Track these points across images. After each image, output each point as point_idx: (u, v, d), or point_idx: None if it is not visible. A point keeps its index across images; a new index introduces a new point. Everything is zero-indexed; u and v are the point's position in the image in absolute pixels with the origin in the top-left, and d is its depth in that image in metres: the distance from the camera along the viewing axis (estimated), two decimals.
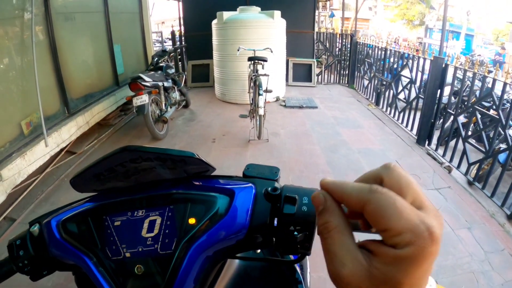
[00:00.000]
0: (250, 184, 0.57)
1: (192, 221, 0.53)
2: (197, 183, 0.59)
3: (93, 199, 0.61)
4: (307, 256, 0.93)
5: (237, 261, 0.76)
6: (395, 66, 6.17)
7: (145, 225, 0.55)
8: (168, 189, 0.58)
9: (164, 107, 5.14)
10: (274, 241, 0.52)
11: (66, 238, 0.56)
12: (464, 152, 3.99)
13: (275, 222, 0.51)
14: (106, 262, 0.54)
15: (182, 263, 0.50)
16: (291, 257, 0.80)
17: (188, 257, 0.51)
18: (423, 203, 0.31)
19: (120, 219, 0.57)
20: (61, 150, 4.24)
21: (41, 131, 3.74)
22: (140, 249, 0.54)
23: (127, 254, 0.54)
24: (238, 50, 5.16)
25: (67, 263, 0.57)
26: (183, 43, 8.45)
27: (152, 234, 0.54)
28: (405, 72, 5.73)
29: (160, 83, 4.97)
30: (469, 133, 4.10)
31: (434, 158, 4.44)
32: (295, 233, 0.48)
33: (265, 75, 4.59)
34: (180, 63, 8.39)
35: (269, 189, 0.53)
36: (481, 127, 3.85)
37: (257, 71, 4.83)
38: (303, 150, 4.52)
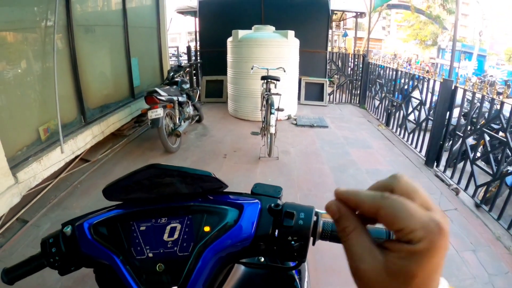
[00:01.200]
0: (256, 200, 0.65)
1: (207, 229, 0.62)
2: (212, 198, 0.69)
3: (121, 206, 0.70)
4: (306, 268, 1.06)
5: (242, 268, 0.84)
6: (405, 87, 6.18)
7: (167, 230, 0.64)
8: (188, 202, 0.68)
9: (177, 121, 5.23)
10: (275, 249, 0.60)
11: (97, 239, 0.65)
12: (472, 174, 3.97)
13: (276, 233, 0.59)
14: (131, 261, 0.63)
15: (197, 263, 0.59)
16: (290, 264, 0.88)
17: (202, 259, 0.59)
18: (429, 205, 0.34)
19: (145, 224, 0.66)
20: (76, 157, 4.35)
21: (58, 137, 3.84)
22: (161, 251, 0.63)
23: (150, 254, 0.63)
24: (252, 69, 5.22)
25: (95, 261, 0.66)
26: (198, 58, 8.60)
27: (172, 239, 0.63)
28: (416, 93, 5.73)
29: (175, 98, 5.05)
30: (477, 155, 4.09)
31: (442, 180, 4.43)
32: (293, 242, 0.57)
33: (277, 94, 4.65)
34: (194, 78, 8.53)
35: (272, 205, 0.62)
36: (489, 149, 3.85)
37: (269, 90, 4.89)
38: (312, 169, 4.55)
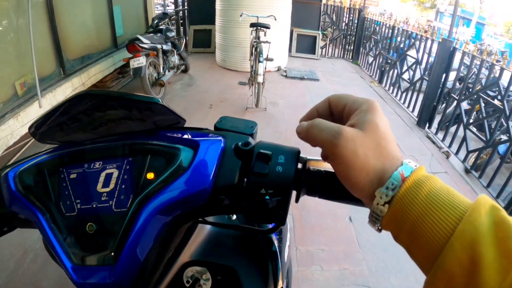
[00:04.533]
0: (219, 137, 0.50)
1: (150, 175, 0.46)
2: (161, 134, 0.52)
3: (54, 150, 0.53)
4: (287, 229, 0.86)
5: (208, 226, 0.69)
6: (401, 45, 6.06)
7: (101, 178, 0.48)
8: (128, 139, 0.50)
9: (162, 71, 5.04)
10: (243, 205, 0.45)
11: (22, 191, 0.49)
12: (464, 139, 3.93)
13: (245, 183, 0.45)
14: (59, 218, 0.47)
15: (136, 222, 0.43)
16: (269, 226, 0.73)
17: (142, 217, 0.43)
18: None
19: (76, 171, 0.49)
20: None
21: (35, 92, 3.69)
22: (94, 205, 0.47)
23: (81, 211, 0.47)
24: (241, 16, 5.01)
25: (26, 219, 0.50)
26: (186, 5, 8.24)
27: (107, 189, 0.47)
28: (411, 52, 5.63)
29: (159, 46, 4.85)
30: (471, 120, 4.04)
31: (433, 142, 4.40)
32: (267, 198, 0.42)
33: (266, 42, 4.50)
34: (182, 27, 8.21)
35: (240, 143, 0.47)
36: (484, 115, 3.78)
37: (258, 38, 4.72)
38: None
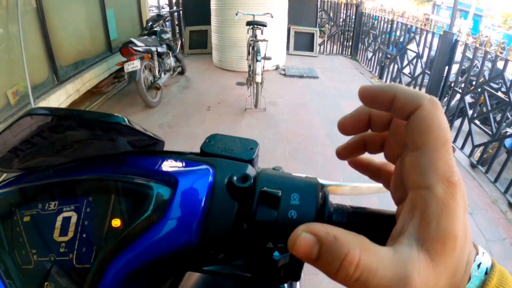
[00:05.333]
0: (205, 167, 0.37)
1: (116, 222, 0.35)
2: (130, 163, 0.40)
3: (8, 184, 0.43)
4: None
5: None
6: (401, 39, 5.96)
7: (58, 224, 0.37)
8: (88, 171, 0.39)
9: (157, 74, 4.94)
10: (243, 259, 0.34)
11: None
12: (469, 133, 3.82)
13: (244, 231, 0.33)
14: (14, 272, 0.37)
15: (98, 285, 0.32)
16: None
17: (106, 280, 0.32)
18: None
19: (30, 213, 0.39)
20: None
21: (29, 100, 3.61)
22: (52, 258, 0.36)
23: (38, 264, 0.36)
24: (236, 15, 4.93)
25: None
26: (180, 6, 8.14)
27: (66, 238, 0.36)
28: (412, 46, 5.52)
29: (153, 48, 4.76)
30: (475, 114, 3.93)
31: None
32: (276, 253, 0.30)
33: (264, 40, 4.39)
34: (177, 29, 8.12)
35: (235, 178, 0.34)
36: (489, 108, 3.66)
37: (255, 36, 4.62)
38: (301, 121, 4.37)
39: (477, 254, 0.25)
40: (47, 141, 0.37)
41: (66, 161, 0.42)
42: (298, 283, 0.68)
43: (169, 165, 0.38)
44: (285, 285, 0.59)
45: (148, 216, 0.33)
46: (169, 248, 0.33)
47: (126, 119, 0.34)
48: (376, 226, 0.30)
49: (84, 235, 0.36)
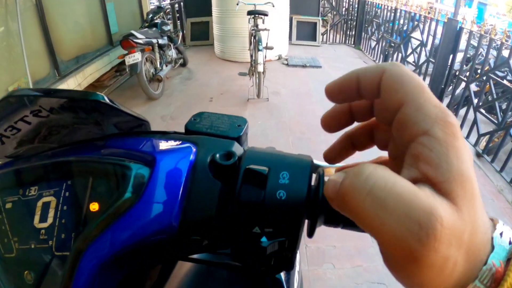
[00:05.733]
0: (187, 145, 0.34)
1: (94, 206, 0.33)
2: (110, 145, 0.37)
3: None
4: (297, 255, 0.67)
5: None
6: (404, 28, 5.90)
7: (38, 209, 0.35)
8: (66, 155, 0.37)
9: (159, 66, 4.93)
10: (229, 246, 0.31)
11: None
12: (475, 122, 3.77)
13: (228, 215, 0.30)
14: None
15: (79, 275, 0.30)
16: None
17: (83, 268, 0.30)
18: None
19: (12, 199, 0.37)
20: None
21: None
22: (32, 246, 0.34)
23: (19, 252, 0.34)
24: (237, 5, 4.89)
25: None
26: None
27: (45, 225, 0.34)
28: (416, 34, 5.45)
29: (154, 40, 4.73)
30: (481, 102, 3.87)
31: None
32: (263, 239, 0.27)
33: (265, 29, 4.37)
34: (178, 21, 8.07)
35: (218, 155, 0.32)
36: (495, 97, 3.61)
37: (257, 26, 4.58)
38: (305, 111, 4.33)
39: (495, 224, 0.22)
40: (32, 126, 0.36)
41: (55, 147, 0.40)
42: (296, 273, 0.64)
43: (150, 145, 0.36)
44: (282, 274, 0.56)
45: (126, 198, 0.31)
46: (147, 233, 0.30)
47: (105, 97, 0.32)
48: None
49: (63, 221, 0.34)
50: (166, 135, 0.38)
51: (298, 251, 0.30)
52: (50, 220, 0.34)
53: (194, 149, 0.34)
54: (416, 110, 0.22)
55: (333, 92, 0.28)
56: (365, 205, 0.20)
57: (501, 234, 0.22)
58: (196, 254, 0.49)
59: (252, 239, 0.28)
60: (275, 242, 0.27)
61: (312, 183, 0.30)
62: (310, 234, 0.31)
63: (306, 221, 0.30)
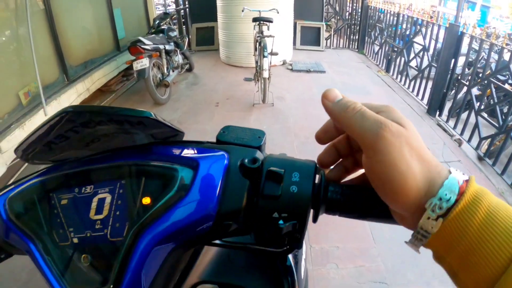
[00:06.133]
0: (221, 153, 0.44)
1: (146, 200, 0.42)
2: (157, 151, 0.46)
3: (43, 173, 0.48)
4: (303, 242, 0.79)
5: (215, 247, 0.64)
6: (407, 32, 5.93)
7: (94, 204, 0.43)
8: (120, 159, 0.45)
9: (166, 71, 5.01)
10: (254, 229, 0.41)
11: (13, 219, 0.45)
12: (476, 126, 3.81)
13: (255, 206, 0.40)
14: (52, 249, 0.43)
15: (133, 255, 0.39)
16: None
17: (140, 247, 0.39)
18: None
19: (67, 196, 0.45)
20: None
21: (40, 100, 3.70)
22: (88, 234, 0.42)
23: (75, 240, 0.42)
24: (242, 11, 4.96)
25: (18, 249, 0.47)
26: (186, 3, 8.20)
27: (101, 216, 0.43)
28: (418, 39, 5.49)
29: (161, 46, 4.82)
30: (482, 106, 3.91)
31: (445, 130, 4.29)
32: (280, 222, 0.37)
33: (270, 36, 4.44)
34: (184, 26, 8.17)
35: (247, 160, 0.41)
36: (496, 100, 3.66)
37: (262, 32, 4.67)
38: (309, 116, 4.39)
39: (451, 172, 0.32)
40: (79, 135, 0.43)
41: (92, 154, 0.48)
42: (303, 260, 0.75)
43: (190, 152, 0.45)
44: (290, 259, 0.66)
45: (174, 193, 0.40)
46: (191, 220, 0.40)
47: (153, 114, 0.41)
48: (364, 199, 0.38)
49: (117, 213, 0.42)
50: (202, 144, 0.48)
51: (304, 244, 0.40)
52: (105, 212, 0.42)
53: (226, 156, 0.43)
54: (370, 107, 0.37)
55: (320, 136, 0.42)
56: (354, 115, 0.34)
57: (456, 170, 0.32)
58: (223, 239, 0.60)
59: (272, 222, 0.37)
60: (289, 224, 0.37)
61: (316, 181, 0.40)
62: (315, 219, 0.41)
63: (312, 210, 0.40)
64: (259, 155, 0.44)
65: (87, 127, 0.42)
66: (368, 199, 0.38)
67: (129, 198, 0.43)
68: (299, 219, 0.37)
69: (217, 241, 0.55)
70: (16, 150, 0.46)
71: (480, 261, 0.27)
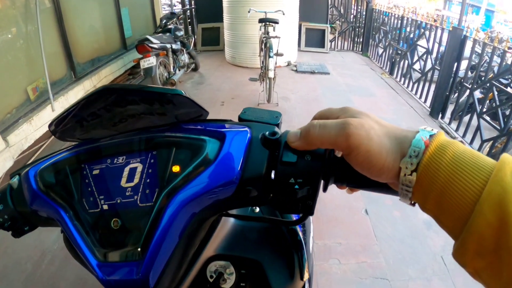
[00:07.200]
0: (245, 128, 0.49)
1: (176, 168, 0.45)
2: (185, 127, 0.51)
3: (74, 147, 0.53)
4: (311, 220, 0.86)
5: (232, 219, 0.68)
6: (411, 35, 5.95)
7: (125, 173, 0.48)
8: (152, 133, 0.50)
9: (172, 70, 5.07)
10: (271, 197, 0.45)
11: (43, 189, 0.49)
12: (478, 128, 3.84)
13: (273, 174, 0.44)
14: (83, 215, 0.47)
15: (162, 217, 0.43)
16: (293, 218, 0.73)
17: (169, 211, 0.43)
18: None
19: (99, 167, 0.49)
20: None
21: (48, 96, 3.76)
22: (118, 201, 0.46)
23: (105, 207, 0.46)
24: (248, 12, 5.01)
25: (48, 218, 0.50)
26: (193, 4, 8.26)
27: (132, 184, 0.47)
28: (422, 42, 5.51)
29: (168, 45, 4.88)
30: (484, 109, 3.94)
31: (447, 132, 4.31)
32: (296, 186, 0.42)
33: (276, 37, 4.47)
34: (190, 26, 8.22)
35: (267, 133, 0.46)
36: (498, 104, 3.69)
37: (268, 33, 4.71)
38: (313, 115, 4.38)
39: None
40: (110, 114, 0.48)
41: (118, 133, 0.52)
42: (311, 237, 0.82)
43: (216, 127, 0.50)
44: (300, 234, 0.72)
45: (202, 161, 0.44)
46: (216, 184, 0.43)
47: (183, 92, 0.46)
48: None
49: (148, 180, 0.46)
50: (227, 122, 0.53)
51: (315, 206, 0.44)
52: (136, 180, 0.47)
53: (249, 130, 0.48)
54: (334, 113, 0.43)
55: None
56: (317, 131, 0.38)
57: (425, 128, 0.36)
58: (236, 211, 0.67)
59: (289, 187, 0.42)
60: (304, 189, 0.41)
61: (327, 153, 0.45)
62: (325, 189, 0.45)
63: (322, 181, 0.44)
64: (277, 130, 0.48)
65: (119, 106, 0.47)
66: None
67: (160, 166, 0.46)
68: (312, 184, 0.42)
69: (235, 213, 0.61)
70: (50, 125, 0.50)
71: (451, 201, 0.31)
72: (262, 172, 0.44)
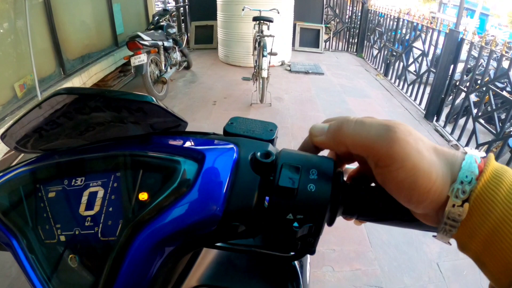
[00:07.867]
0: (231, 146, 0.39)
1: (143, 196, 0.36)
2: (157, 141, 0.41)
3: (34, 161, 0.44)
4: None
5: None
6: (407, 37, 5.93)
7: (84, 199, 0.38)
8: (115, 149, 0.40)
9: (163, 68, 4.96)
10: (264, 232, 0.36)
11: None
12: (474, 132, 3.81)
13: (266, 205, 0.35)
14: (37, 247, 0.39)
15: (127, 256, 0.34)
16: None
17: (134, 249, 0.34)
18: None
19: (55, 189, 0.40)
20: None
21: (35, 93, 3.66)
22: (77, 232, 0.37)
23: (62, 238, 0.38)
24: (243, 10, 4.93)
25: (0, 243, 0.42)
26: (186, 1, 8.17)
27: (92, 212, 0.38)
28: (417, 43, 5.49)
29: (160, 43, 4.78)
30: (480, 113, 3.91)
31: (442, 135, 4.29)
32: (295, 224, 0.33)
33: (270, 36, 4.40)
34: (183, 24, 8.13)
35: (259, 154, 0.36)
36: (494, 107, 3.65)
37: (262, 31, 4.64)
38: (307, 117, 4.37)
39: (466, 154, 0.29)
40: (72, 122, 0.39)
41: (86, 143, 0.43)
42: (308, 263, 0.71)
43: (195, 143, 0.40)
44: (296, 265, 0.62)
45: (175, 189, 0.35)
46: (193, 219, 0.35)
47: (154, 99, 0.36)
48: (385, 201, 0.34)
49: (110, 209, 0.37)
50: (207, 135, 0.43)
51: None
52: (96, 208, 0.37)
53: (236, 149, 0.38)
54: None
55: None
56: (352, 128, 0.31)
57: (471, 149, 0.29)
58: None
59: (286, 224, 0.33)
60: (305, 227, 0.33)
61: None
62: (331, 222, 0.36)
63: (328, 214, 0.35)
64: (271, 149, 0.38)
65: (81, 113, 0.38)
66: (389, 201, 0.33)
67: (124, 193, 0.37)
68: (316, 221, 0.33)
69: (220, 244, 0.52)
70: (3, 136, 0.41)
71: (505, 244, 0.25)
72: (252, 204, 0.35)
